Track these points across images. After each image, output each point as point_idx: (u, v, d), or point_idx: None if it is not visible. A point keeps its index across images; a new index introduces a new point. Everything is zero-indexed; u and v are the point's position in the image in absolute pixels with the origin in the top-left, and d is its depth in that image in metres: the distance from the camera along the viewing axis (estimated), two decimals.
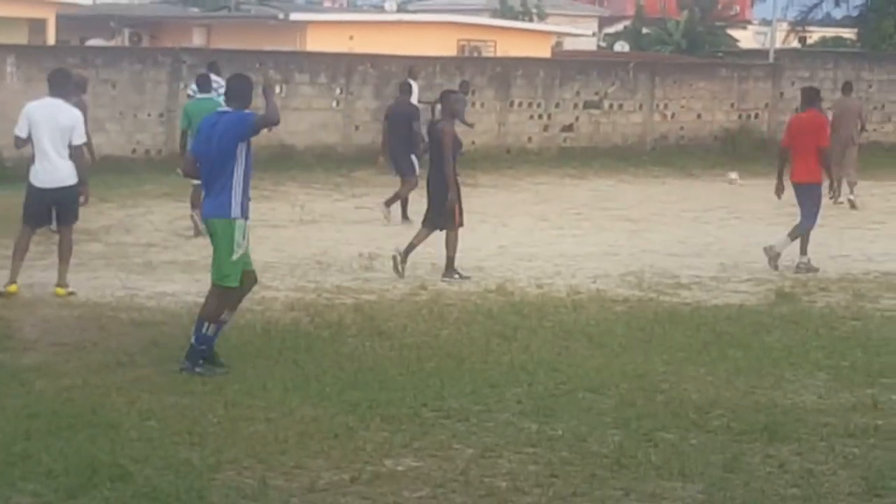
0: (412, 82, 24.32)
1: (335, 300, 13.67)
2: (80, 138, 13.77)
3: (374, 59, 30.82)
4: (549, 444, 8.36)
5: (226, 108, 10.68)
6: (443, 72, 31.95)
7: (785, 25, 58.40)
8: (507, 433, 8.61)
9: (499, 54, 40.31)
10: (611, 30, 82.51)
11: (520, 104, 32.56)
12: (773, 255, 16.68)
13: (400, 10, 62.73)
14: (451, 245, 15.45)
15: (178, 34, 42.10)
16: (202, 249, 17.20)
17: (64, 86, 13.95)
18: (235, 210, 10.36)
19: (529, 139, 32.65)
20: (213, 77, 22.50)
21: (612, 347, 11.43)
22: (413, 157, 21.41)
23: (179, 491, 7.24)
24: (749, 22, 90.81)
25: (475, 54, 41.07)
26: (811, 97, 17.46)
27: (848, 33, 63.59)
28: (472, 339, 11.61)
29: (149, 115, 27.98)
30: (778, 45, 44.52)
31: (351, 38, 37.80)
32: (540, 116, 32.73)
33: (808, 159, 16.79)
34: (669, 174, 30.31)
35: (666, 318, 12.86)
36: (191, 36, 41.92)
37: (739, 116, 35.35)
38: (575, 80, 33.23)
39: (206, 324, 10.47)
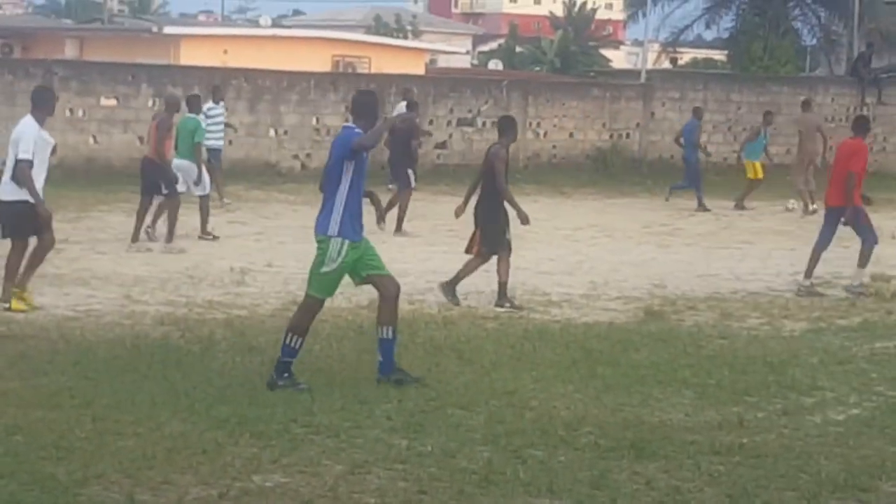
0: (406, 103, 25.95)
1: (206, 315, 13.57)
2: (23, 153, 13.52)
3: (248, 74, 30.69)
4: (419, 461, 8.36)
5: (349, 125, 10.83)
6: (317, 87, 31.90)
7: (657, 46, 59.15)
8: (376, 449, 8.59)
9: (373, 71, 40.33)
10: (485, 48, 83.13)
11: None
12: (857, 287, 16.54)
13: (275, 25, 62.54)
14: (503, 271, 15.21)
15: (50, 46, 41.57)
16: (71, 262, 17.02)
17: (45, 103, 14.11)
18: (334, 228, 10.62)
19: None
20: (211, 105, 24.83)
21: (483, 364, 11.46)
22: (410, 171, 22.98)
23: None
24: (622, 42, 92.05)
25: (350, 70, 41.05)
26: (862, 125, 17.57)
27: (719, 55, 64.65)
28: (343, 355, 11.59)
29: None
30: (650, 65, 45.10)
31: (225, 52, 37.64)
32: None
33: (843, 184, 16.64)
34: (542, 192, 30.47)
35: (536, 336, 12.93)
36: (63, 47, 41.43)
37: (611, 136, 35.73)
38: (448, 98, 33.38)
39: (291, 336, 10.49)
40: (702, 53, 75.33)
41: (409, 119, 22.18)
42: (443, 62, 59.50)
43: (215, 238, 20.22)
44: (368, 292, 15.23)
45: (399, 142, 23.06)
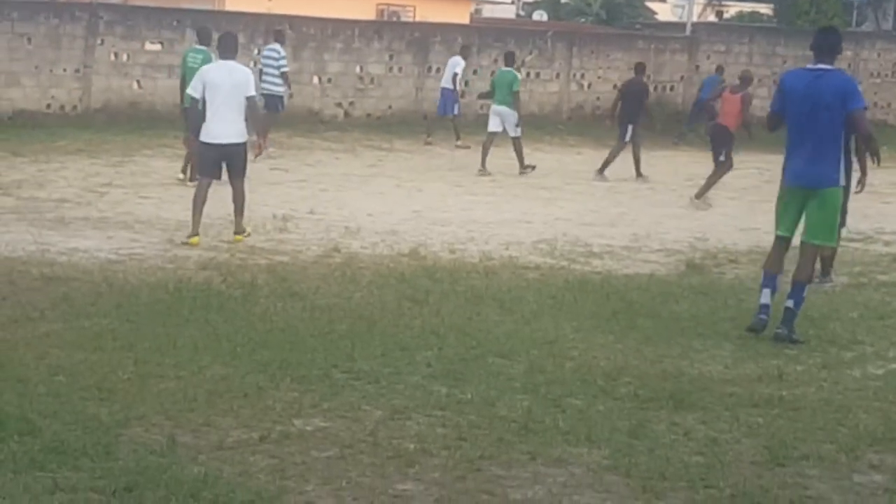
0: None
1: (248, 260, 13.64)
2: (252, 91, 14.92)
3: (293, 21, 30.66)
4: (458, 408, 8.39)
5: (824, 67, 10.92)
6: (361, 35, 31.87)
7: (703, 0, 58.80)
8: (416, 396, 8.63)
9: (418, 20, 40.23)
10: None
11: (437, 70, 32.52)
12: None
13: None
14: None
15: None
16: (115, 206, 17.13)
17: (233, 48, 15.20)
18: (841, 178, 10.96)
19: None
20: (273, 46, 25.83)
21: (523, 314, 11.48)
22: (630, 126, 24.51)
23: (87, 446, 7.21)
24: None
25: (394, 19, 40.96)
26: None
27: (765, 8, 64.14)
28: (383, 303, 11.63)
29: (64, 70, 27.69)
30: (695, 18, 44.82)
31: None
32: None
33: None
34: (585, 144, 30.47)
35: (577, 286, 12.94)
36: None
37: (655, 88, 35.51)
38: (493, 48, 33.25)
39: (806, 287, 11.05)
40: (748, 7, 74.60)
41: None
42: (487, 12, 59.21)
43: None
44: (411, 241, 15.34)
45: (631, 99, 24.74)
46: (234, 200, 15.00)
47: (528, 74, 33.40)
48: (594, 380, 9.25)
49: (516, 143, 24.42)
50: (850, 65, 38.18)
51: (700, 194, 21.05)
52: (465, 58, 29.82)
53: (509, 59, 25.80)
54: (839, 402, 8.96)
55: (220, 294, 11.62)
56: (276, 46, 25.78)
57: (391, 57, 32.11)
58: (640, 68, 26.31)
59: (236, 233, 14.93)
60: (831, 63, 10.94)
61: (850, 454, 7.82)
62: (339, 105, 31.36)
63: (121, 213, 16.64)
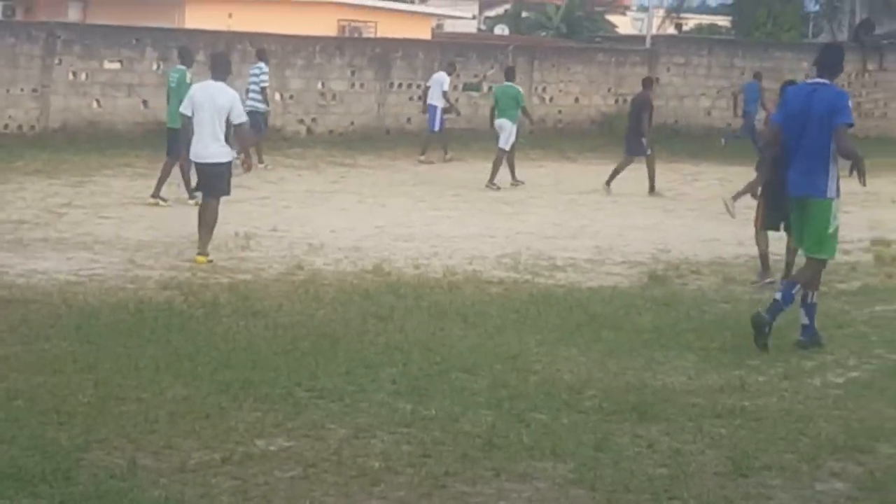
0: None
1: (210, 279, 13.59)
2: (239, 117, 15.06)
3: (253, 38, 30.60)
4: (422, 425, 8.38)
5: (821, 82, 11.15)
6: (322, 52, 31.86)
7: (662, 12, 59.00)
8: (380, 413, 8.61)
9: (379, 35, 40.24)
10: (491, 13, 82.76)
11: (399, 85, 32.59)
12: None
13: None
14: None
15: (53, 8, 41.38)
16: (75, 227, 17.04)
17: (223, 69, 15.34)
18: (832, 190, 10.97)
19: (409, 120, 32.68)
20: (258, 65, 26.46)
21: (487, 328, 11.48)
22: (644, 140, 24.54)
23: (45, 471, 7.14)
24: (627, 8, 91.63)
25: (356, 35, 40.97)
26: None
27: (723, 21, 64.45)
28: (347, 320, 11.60)
29: (21, 90, 27.57)
30: (654, 31, 44.93)
31: (230, 15, 37.52)
32: (419, 98, 32.73)
33: None
34: (547, 157, 30.55)
35: (540, 300, 12.96)
36: (66, 10, 41.28)
37: (616, 101, 35.67)
38: (455, 63, 33.25)
39: (797, 286, 11.13)
40: (706, 19, 74.96)
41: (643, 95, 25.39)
42: (449, 27, 59.29)
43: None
44: (374, 257, 15.31)
45: (635, 114, 24.94)
46: (205, 219, 14.98)
47: (489, 88, 33.44)
48: (558, 393, 9.26)
49: (500, 156, 24.92)
50: (806, 75, 38.34)
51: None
52: (449, 74, 29.99)
53: (510, 75, 26.36)
54: (800, 411, 8.99)
55: (181, 314, 11.57)
56: (261, 65, 26.23)
57: (353, 73, 32.11)
58: (646, 83, 26.50)
59: (199, 253, 14.85)
60: (831, 79, 11.21)
61: (812, 463, 7.85)
62: (302, 122, 31.34)
63: (80, 234, 16.55)
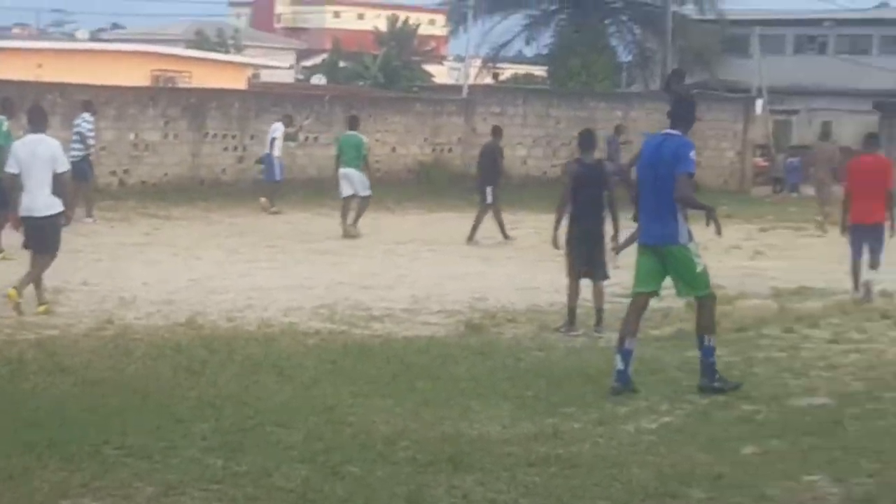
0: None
1: (16, 336, 13.24)
2: (63, 167, 15.18)
3: (64, 88, 30.13)
4: (234, 480, 8.24)
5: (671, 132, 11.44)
6: (135, 102, 31.51)
7: (478, 62, 59.60)
8: (191, 470, 8.45)
9: (194, 85, 39.96)
10: (309, 63, 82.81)
11: (214, 135, 32.36)
12: (869, 288, 17.38)
13: (92, 38, 61.50)
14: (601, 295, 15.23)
15: None
16: None
17: (41, 121, 15.59)
18: (685, 236, 11.27)
19: (224, 171, 32.48)
20: (83, 115, 26.41)
21: (302, 380, 11.38)
22: (489, 189, 24.80)
23: None
24: (445, 58, 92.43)
25: (170, 85, 40.61)
26: (875, 142, 18.76)
27: (539, 70, 65.37)
28: (158, 375, 11.40)
29: None
30: (471, 81, 45.41)
31: (39, 66, 36.91)
32: (235, 148, 32.61)
33: (875, 200, 17.64)
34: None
35: (356, 351, 12.89)
36: None
37: (433, 150, 35.91)
38: (271, 113, 33.19)
39: (706, 337, 11.34)
40: (522, 69, 75.98)
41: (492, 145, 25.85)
42: (266, 77, 59.17)
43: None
44: (187, 310, 15.09)
45: (484, 163, 25.36)
46: (33, 269, 14.99)
47: (305, 138, 33.42)
48: (373, 445, 9.19)
49: (363, 203, 25.27)
50: (619, 124, 39.08)
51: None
52: (286, 125, 30.05)
53: (353, 123, 26.48)
54: (614, 457, 9.04)
55: None
56: (86, 115, 26.15)
57: (167, 123, 31.83)
58: (496, 131, 26.70)
59: (41, 303, 14.90)
60: (684, 130, 11.49)
61: None
62: (114, 173, 30.91)
63: None
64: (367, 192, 25.36)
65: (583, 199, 14.81)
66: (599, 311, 14.77)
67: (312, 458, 8.81)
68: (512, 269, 20.74)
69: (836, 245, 20.81)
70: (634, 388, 11.24)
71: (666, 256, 11.36)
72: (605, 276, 15.03)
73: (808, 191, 46.48)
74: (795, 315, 15.63)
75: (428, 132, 36.02)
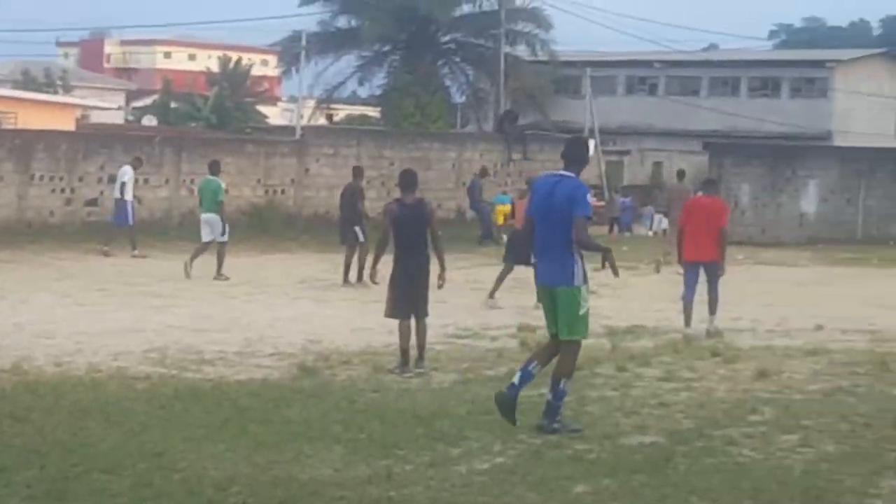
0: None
1: None
2: None
3: None
4: None
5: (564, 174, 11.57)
6: None
7: (312, 102, 59.62)
8: None
9: (20, 126, 39.26)
10: (140, 104, 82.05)
11: (41, 178, 31.81)
12: (715, 332, 17.86)
13: None
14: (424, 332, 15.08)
15: None
16: None
17: None
18: (579, 278, 11.39)
19: (52, 213, 31.93)
20: None
21: (131, 426, 11.18)
22: (357, 229, 24.88)
23: None
24: (278, 99, 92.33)
25: None
26: (713, 187, 19.50)
27: (373, 111, 65.60)
28: None
29: None
30: (305, 121, 45.40)
31: None
32: (63, 190, 32.10)
33: (709, 239, 18.20)
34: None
35: (187, 395, 12.71)
36: None
37: (266, 192, 35.73)
38: (100, 154, 32.82)
39: (563, 380, 11.42)
40: (357, 110, 76.23)
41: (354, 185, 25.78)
42: (95, 118, 58.43)
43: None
44: (13, 356, 14.76)
45: (347, 203, 25.32)
46: None
47: (136, 181, 32.99)
48: (203, 491, 9.06)
49: (221, 249, 25.32)
50: (453, 165, 39.40)
51: (492, 293, 21.90)
52: (135, 168, 29.63)
53: (214, 168, 26.45)
54: (446, 499, 9.03)
55: None
56: None
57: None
58: (357, 171, 26.64)
59: None
60: (576, 171, 11.63)
61: None
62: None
63: None
64: (223, 238, 25.49)
65: (404, 239, 14.84)
66: (422, 348, 14.78)
67: None
68: (346, 310, 20.69)
69: (667, 284, 21.19)
70: (562, 428, 11.33)
71: (557, 296, 11.48)
72: (426, 314, 15.05)
73: (640, 230, 47.52)
74: (628, 354, 15.80)
75: (261, 173, 35.84)
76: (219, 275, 24.90)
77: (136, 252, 28.78)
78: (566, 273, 11.37)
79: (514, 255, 21.81)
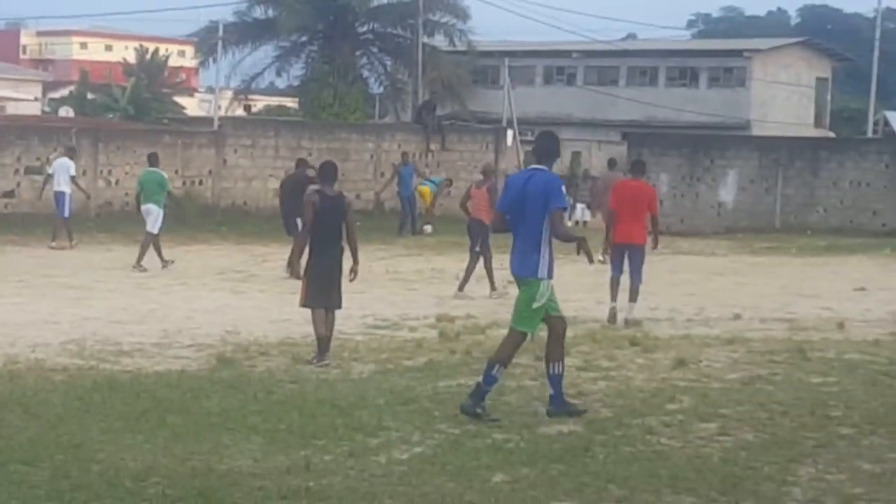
0: None
1: None
2: None
3: None
4: None
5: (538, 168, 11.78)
6: None
7: (230, 93, 59.32)
8: None
9: None
10: (56, 95, 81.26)
11: None
12: (634, 322, 18.08)
13: None
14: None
15: None
16: None
17: None
18: (543, 271, 11.52)
19: None
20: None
21: (49, 418, 11.13)
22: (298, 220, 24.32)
23: None
24: (196, 90, 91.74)
25: None
26: (641, 168, 19.50)
27: (291, 102, 65.38)
28: None
29: None
30: (223, 112, 45.15)
31: None
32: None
33: (637, 223, 18.54)
34: (115, 241, 30.07)
35: (105, 386, 12.66)
36: None
37: (184, 183, 35.54)
38: (15, 145, 32.56)
39: (497, 366, 11.54)
40: (275, 101, 75.96)
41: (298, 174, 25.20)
42: (12, 109, 57.88)
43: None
44: None
45: (289, 195, 24.46)
46: None
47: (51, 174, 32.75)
48: (122, 482, 9.04)
49: (148, 239, 25.49)
50: (372, 155, 39.40)
51: (462, 286, 21.74)
52: (71, 158, 29.55)
53: (153, 160, 26.58)
54: (365, 489, 9.06)
55: None
56: None
57: None
58: (300, 163, 26.58)
59: None
60: (548, 165, 11.83)
61: None
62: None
63: None
64: (153, 229, 25.48)
65: (323, 231, 14.85)
66: (328, 339, 14.77)
67: (59, 497, 8.65)
68: (264, 301, 20.65)
69: (585, 275, 21.32)
70: (484, 415, 11.42)
71: (521, 286, 11.67)
72: (339, 306, 15.07)
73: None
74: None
75: (178, 164, 35.61)
76: (138, 265, 24.86)
77: (73, 242, 28.81)
78: (532, 265, 11.53)
79: (477, 242, 22.01)
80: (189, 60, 77.41)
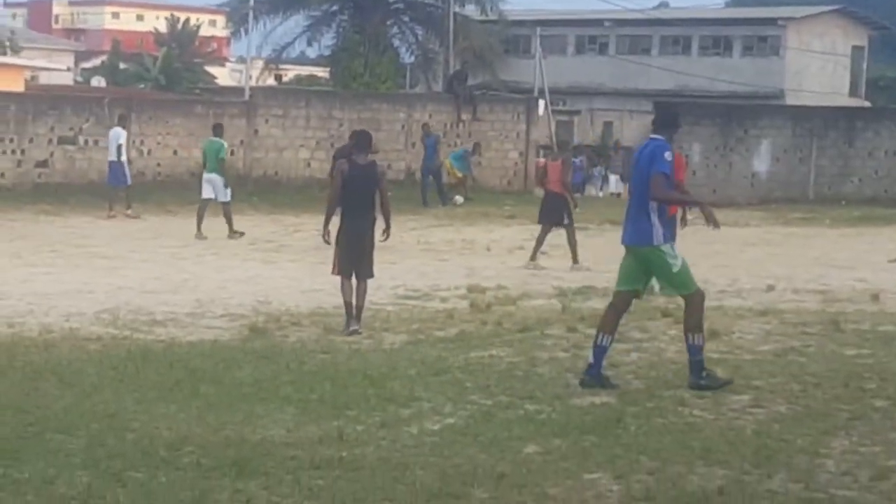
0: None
1: None
2: None
3: None
4: (15, 488, 8.10)
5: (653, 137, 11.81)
6: None
7: (261, 63, 59.31)
8: None
9: None
10: (88, 64, 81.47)
11: None
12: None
13: None
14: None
15: None
16: None
17: None
18: (658, 238, 11.58)
19: (3, 175, 31.76)
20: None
21: (84, 387, 11.21)
22: None
23: None
24: (227, 59, 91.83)
25: None
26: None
27: (322, 72, 65.33)
28: None
29: None
30: (254, 82, 45.15)
31: None
32: (13, 152, 31.94)
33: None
34: (148, 210, 30.18)
35: (139, 356, 12.73)
36: None
37: None
38: (48, 116, 32.65)
39: (692, 335, 11.60)
40: (306, 70, 75.92)
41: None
42: (44, 79, 58.03)
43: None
44: None
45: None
46: None
47: (85, 142, 32.88)
48: (156, 451, 9.11)
49: (226, 208, 25.90)
50: (403, 125, 39.35)
51: (575, 260, 21.75)
52: (123, 127, 29.76)
53: (217, 130, 27.21)
54: (397, 459, 9.10)
55: None
56: None
57: None
58: (354, 135, 26.51)
59: None
60: (666, 136, 11.87)
61: None
62: None
63: None
64: (225, 199, 25.98)
65: (353, 199, 14.88)
66: (360, 309, 14.81)
67: (95, 465, 8.71)
68: (296, 271, 20.72)
69: (616, 245, 21.29)
70: (605, 384, 11.54)
71: (641, 257, 11.76)
72: (371, 275, 15.12)
73: (591, 190, 47.65)
74: (579, 315, 15.87)
75: (210, 134, 35.63)
76: (232, 233, 25.64)
77: (129, 212, 29.34)
78: (645, 233, 11.60)
79: (548, 217, 21.96)
80: (220, 30, 77.44)
